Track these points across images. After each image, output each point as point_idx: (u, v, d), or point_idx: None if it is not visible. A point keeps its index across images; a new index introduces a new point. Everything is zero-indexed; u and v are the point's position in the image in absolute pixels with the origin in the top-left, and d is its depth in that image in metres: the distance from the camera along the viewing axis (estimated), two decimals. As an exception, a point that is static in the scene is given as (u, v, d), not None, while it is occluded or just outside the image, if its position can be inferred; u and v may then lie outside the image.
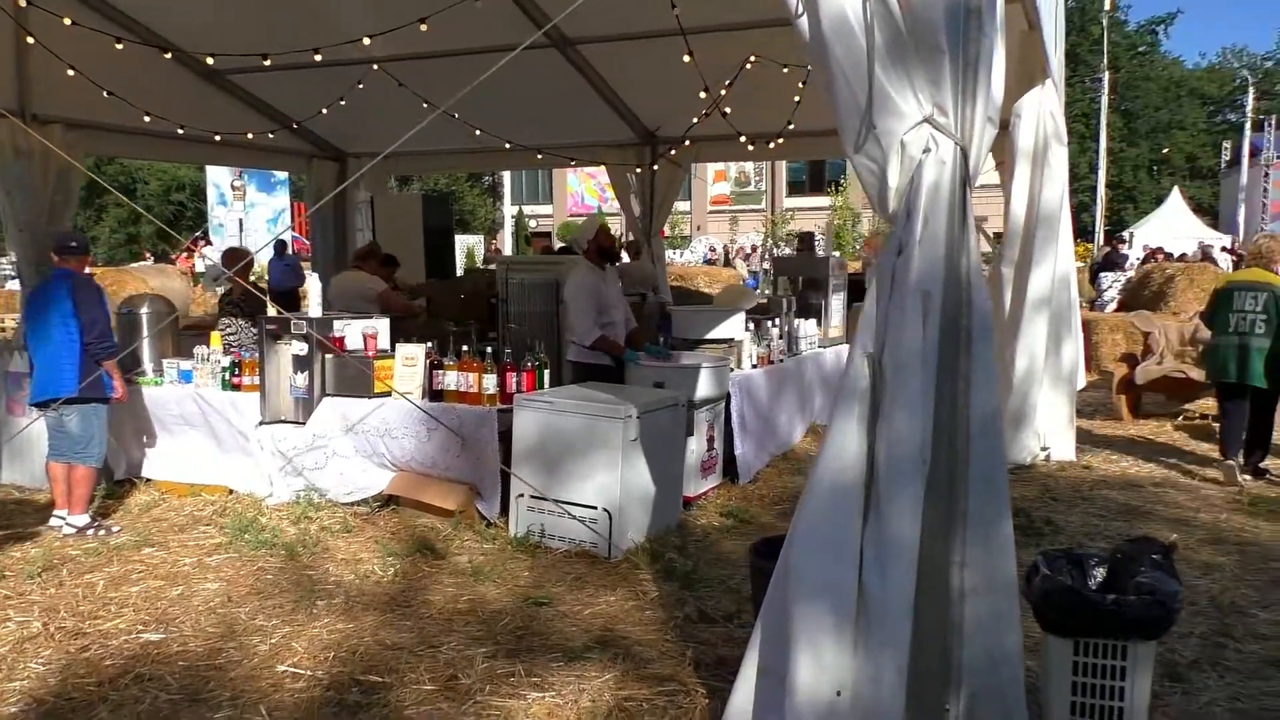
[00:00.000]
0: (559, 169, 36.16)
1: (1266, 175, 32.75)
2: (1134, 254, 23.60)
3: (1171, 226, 30.82)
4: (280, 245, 23.30)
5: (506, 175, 40.75)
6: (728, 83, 7.83)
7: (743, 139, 8.43)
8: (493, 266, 11.15)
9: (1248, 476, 6.81)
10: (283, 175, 32.09)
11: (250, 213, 31.66)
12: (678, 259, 26.98)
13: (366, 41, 6.76)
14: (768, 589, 3.20)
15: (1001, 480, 2.97)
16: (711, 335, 7.04)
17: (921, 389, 2.86)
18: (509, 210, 40.61)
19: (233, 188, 31.88)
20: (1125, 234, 27.79)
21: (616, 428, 5.11)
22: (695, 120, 8.61)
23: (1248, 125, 34.18)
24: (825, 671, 2.92)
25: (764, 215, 39.28)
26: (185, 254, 26.70)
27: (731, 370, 6.60)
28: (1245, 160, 33.21)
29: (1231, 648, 4.02)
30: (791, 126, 8.58)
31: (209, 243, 29.86)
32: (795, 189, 40.32)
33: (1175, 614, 3.00)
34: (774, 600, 3.16)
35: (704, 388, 5.98)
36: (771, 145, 8.76)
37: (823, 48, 2.94)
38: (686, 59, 6.98)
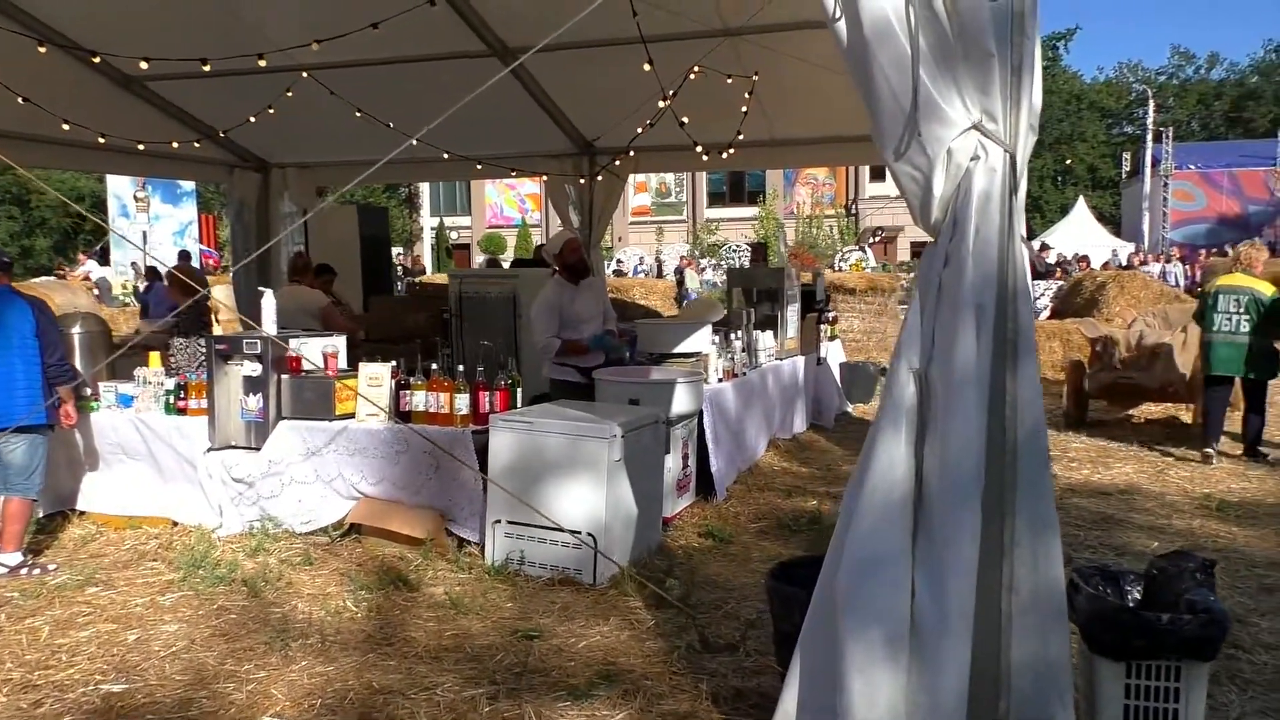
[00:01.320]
0: (477, 180, 35.69)
1: (1166, 185, 34.07)
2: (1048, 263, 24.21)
3: (1076, 235, 31.90)
4: (184, 255, 22.39)
5: (425, 186, 40.00)
6: (671, 93, 7.69)
7: (699, 149, 8.28)
8: (443, 280, 10.75)
9: (1214, 454, 7.63)
10: (189, 186, 30.94)
11: (155, 225, 30.45)
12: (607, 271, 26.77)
13: (315, 47, 6.43)
14: (805, 618, 3.04)
15: (1048, 498, 2.86)
16: (678, 349, 6.86)
17: (977, 405, 2.73)
18: (428, 222, 39.85)
19: (135, 199, 30.57)
20: (1041, 242, 28.49)
21: (601, 448, 4.89)
22: (640, 130, 8.46)
23: (1149, 137, 35.44)
24: (880, 707, 2.77)
25: (686, 226, 39.37)
26: (78, 266, 25.71)
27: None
28: (1148, 171, 34.45)
29: (1244, 659, 3.99)
30: (741, 137, 8.48)
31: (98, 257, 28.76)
32: (716, 200, 40.43)
33: (1227, 633, 2.92)
34: (814, 630, 2.99)
35: (680, 404, 5.79)
36: (725, 155, 8.64)
37: (864, 52, 2.80)
38: (646, 68, 6.79)
